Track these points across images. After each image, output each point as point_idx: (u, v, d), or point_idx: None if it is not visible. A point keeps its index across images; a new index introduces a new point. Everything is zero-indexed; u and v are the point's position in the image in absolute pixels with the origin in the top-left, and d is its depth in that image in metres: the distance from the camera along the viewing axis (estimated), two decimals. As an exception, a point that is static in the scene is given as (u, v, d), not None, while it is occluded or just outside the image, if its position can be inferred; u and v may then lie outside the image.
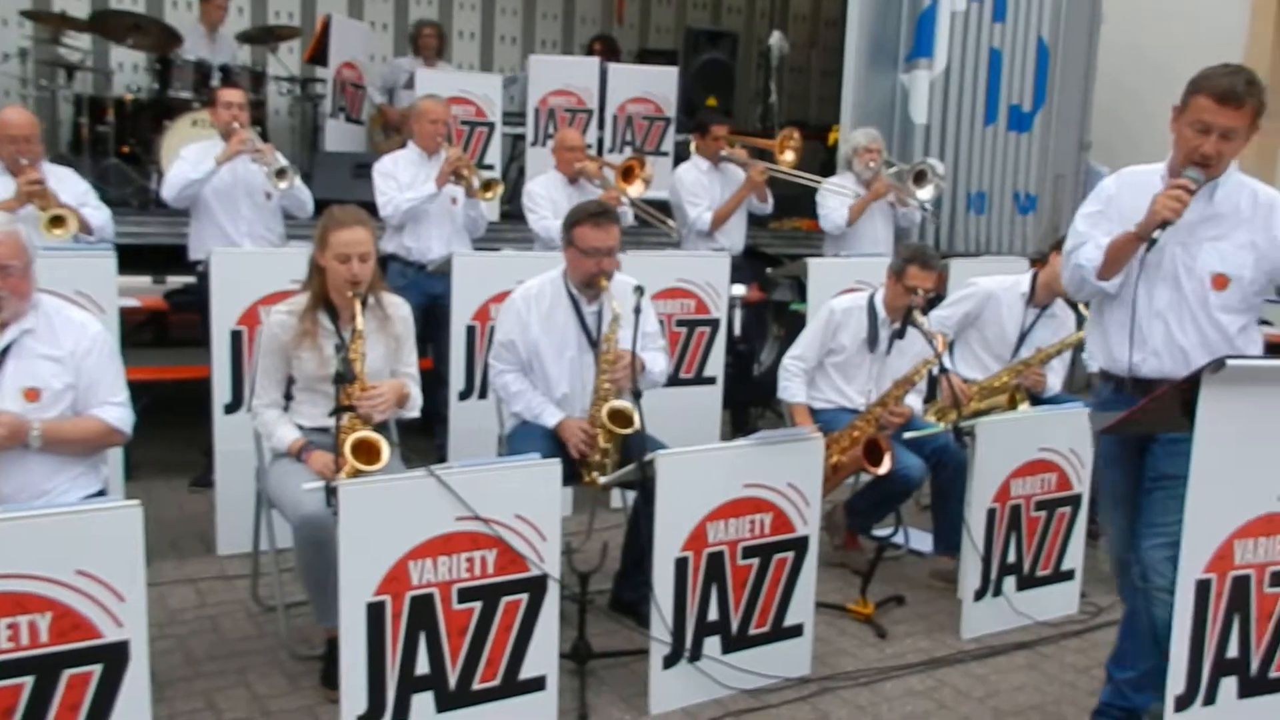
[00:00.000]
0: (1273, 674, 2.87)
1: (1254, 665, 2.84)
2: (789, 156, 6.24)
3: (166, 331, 6.36)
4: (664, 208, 6.04)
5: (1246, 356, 2.68)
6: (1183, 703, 2.75)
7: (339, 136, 7.28)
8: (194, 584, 4.04)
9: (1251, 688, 2.85)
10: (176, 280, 5.73)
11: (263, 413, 3.43)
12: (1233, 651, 2.81)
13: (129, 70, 7.47)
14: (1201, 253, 2.87)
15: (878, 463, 3.95)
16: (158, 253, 5.56)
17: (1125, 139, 7.80)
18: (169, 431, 5.08)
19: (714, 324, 5.14)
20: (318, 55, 7.56)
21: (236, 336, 4.25)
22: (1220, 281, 2.87)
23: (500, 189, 5.57)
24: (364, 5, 8.70)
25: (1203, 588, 2.72)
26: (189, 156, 4.97)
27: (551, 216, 5.44)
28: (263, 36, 7.68)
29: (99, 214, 4.55)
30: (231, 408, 4.27)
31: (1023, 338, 4.55)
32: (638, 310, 3.65)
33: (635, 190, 5.84)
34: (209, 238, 4.95)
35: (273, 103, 7.69)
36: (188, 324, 5.58)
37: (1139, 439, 3.00)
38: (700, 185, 6.04)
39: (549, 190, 5.62)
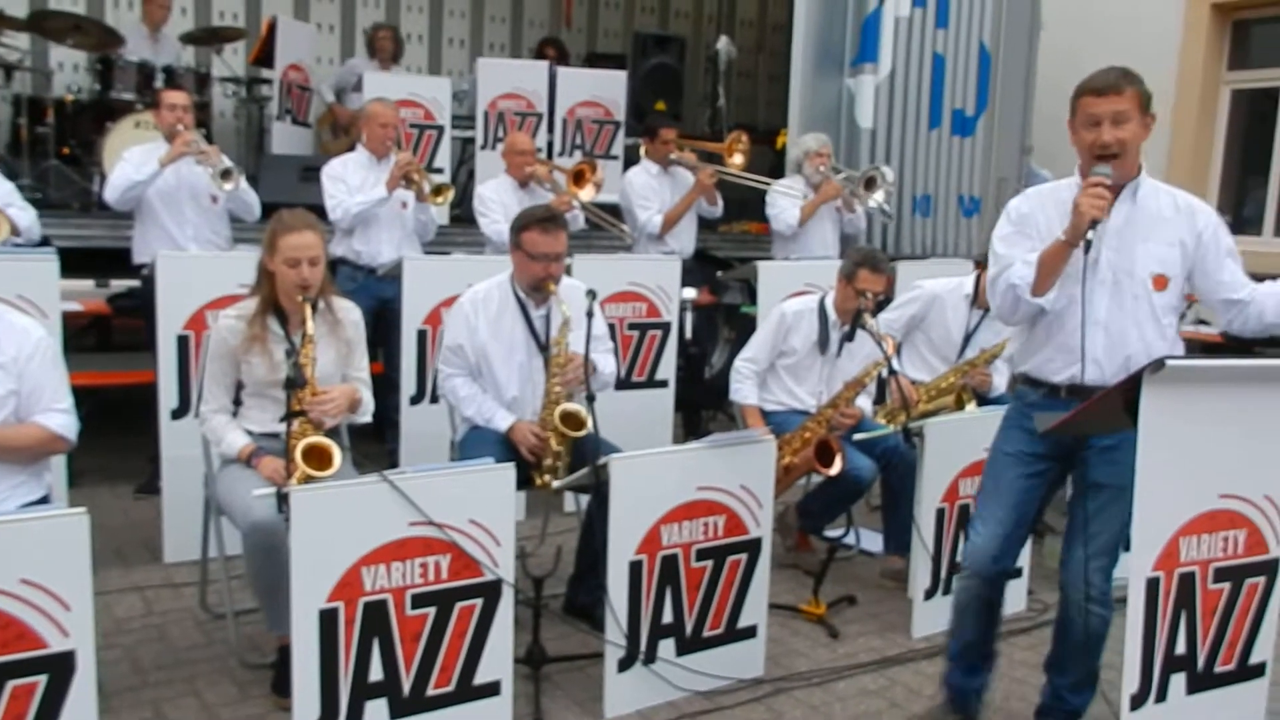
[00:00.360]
0: (1219, 669, 2.94)
1: (1201, 661, 2.91)
2: (738, 159, 6.30)
3: (110, 336, 6.25)
4: (615, 211, 6.05)
5: (1184, 357, 2.73)
6: (1137, 701, 2.80)
7: (286, 139, 7.21)
8: (140, 592, 3.98)
9: (1200, 683, 2.91)
10: (120, 284, 5.64)
11: (211, 418, 3.38)
12: (1181, 648, 2.87)
13: (69, 70, 7.35)
14: (1137, 255, 2.88)
15: (829, 464, 3.99)
16: (100, 256, 5.46)
17: (1065, 143, 7.93)
18: (113, 438, 5.00)
19: (665, 327, 5.16)
20: (263, 57, 7.49)
21: (183, 341, 4.18)
22: (1161, 282, 2.89)
23: (451, 194, 5.54)
24: (310, 7, 8.62)
25: (1152, 586, 2.78)
26: (132, 158, 4.90)
27: (503, 220, 5.42)
28: (207, 38, 7.57)
29: (25, 215, 4.45)
30: (178, 413, 4.21)
31: (968, 339, 4.62)
32: (590, 314, 3.65)
33: (586, 194, 5.85)
34: (154, 241, 4.87)
35: (217, 104, 7.60)
36: (131, 328, 5.49)
37: (1065, 445, 2.98)
38: (650, 189, 6.06)
39: (500, 194, 5.61)
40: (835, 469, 3.99)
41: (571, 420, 3.65)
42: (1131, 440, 2.68)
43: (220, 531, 3.45)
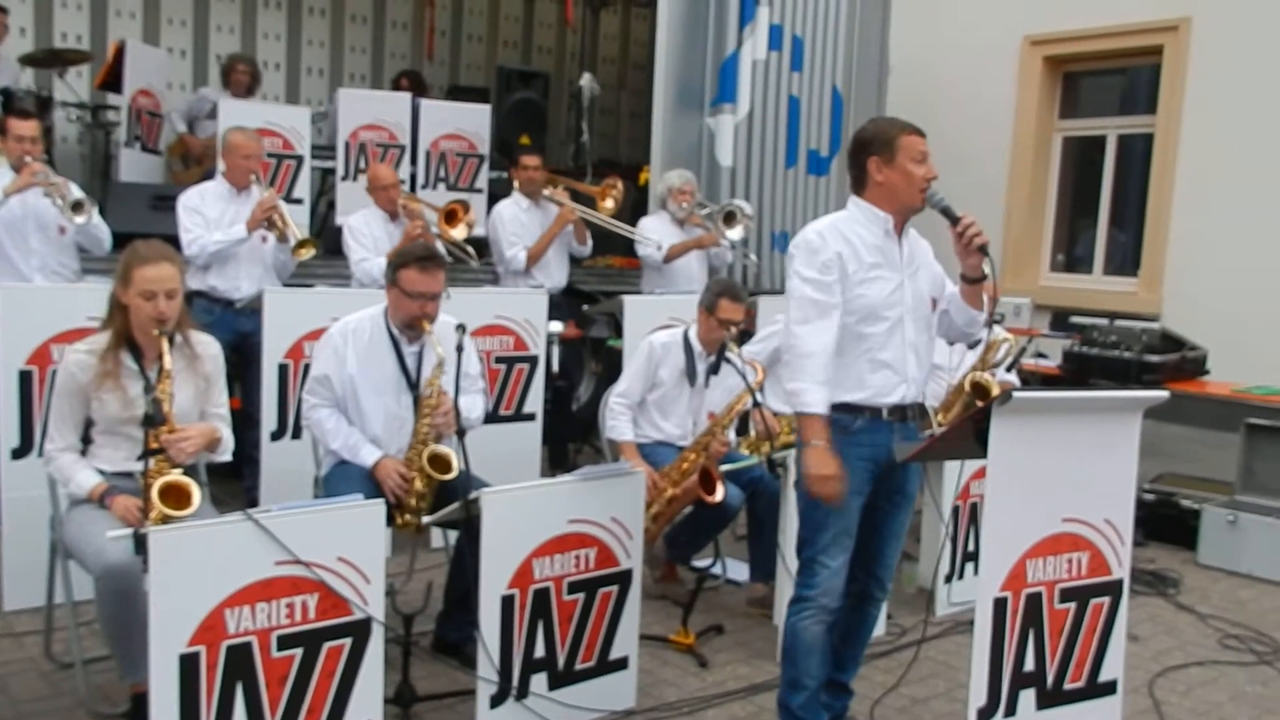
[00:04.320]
0: (1068, 685, 3.08)
1: (1050, 678, 3.05)
2: (609, 204, 6.40)
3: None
4: (480, 243, 6.06)
5: (1028, 388, 2.91)
6: (985, 714, 2.92)
7: (135, 166, 6.95)
8: (-23, 643, 3.76)
9: (1050, 699, 3.05)
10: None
11: (58, 457, 3.23)
12: (1030, 665, 3.00)
13: (-105, 92, 6.93)
14: (921, 281, 3.14)
15: (712, 490, 4.06)
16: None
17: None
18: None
19: (533, 360, 5.17)
20: (110, 81, 7.21)
21: (26, 376, 3.98)
22: (934, 304, 3.19)
23: (315, 249, 5.33)
24: (161, 31, 8.37)
25: (999, 605, 2.91)
26: (-30, 186, 4.65)
27: (373, 254, 5.38)
28: (49, 60, 7.26)
29: None
30: (20, 452, 4.00)
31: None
32: (460, 349, 3.64)
33: (458, 234, 5.85)
34: (-3, 273, 4.64)
35: (60, 129, 7.31)
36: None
37: (887, 466, 3.11)
38: (519, 222, 6.11)
39: (369, 227, 5.56)
40: (719, 496, 4.07)
41: (439, 463, 3.62)
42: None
43: (68, 575, 3.29)
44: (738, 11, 7.13)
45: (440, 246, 5.58)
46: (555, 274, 6.25)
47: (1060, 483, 2.94)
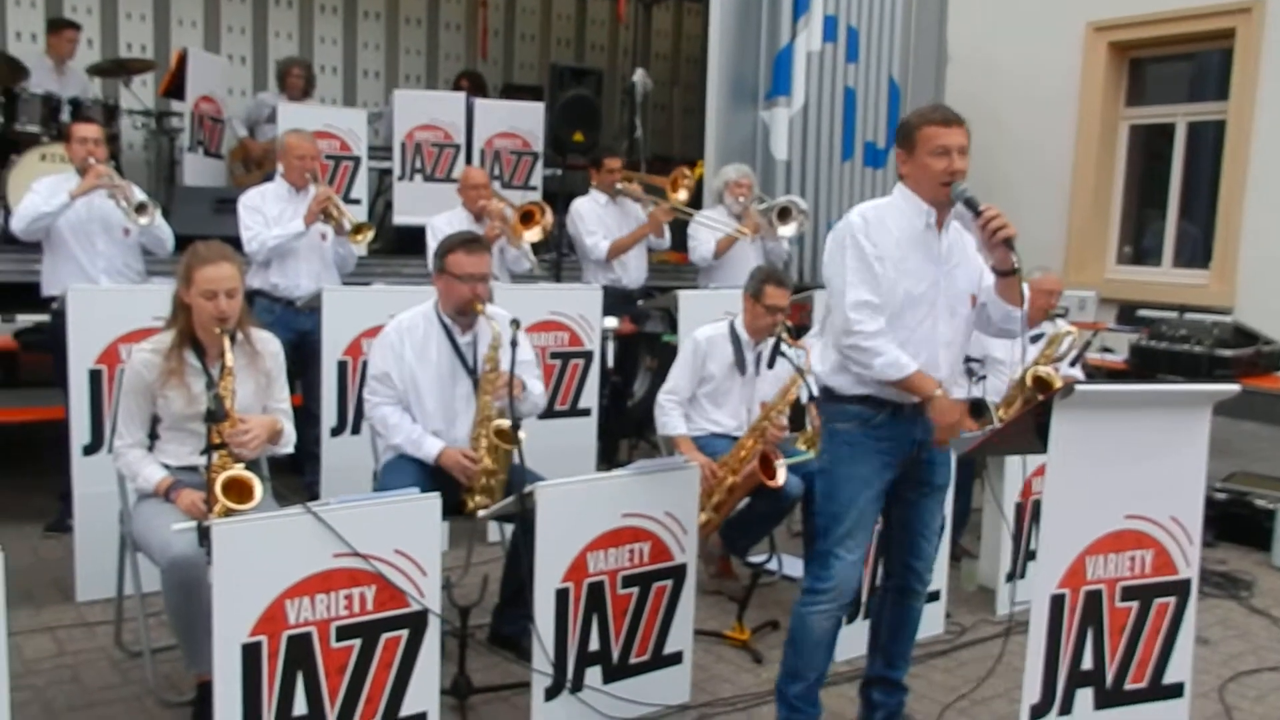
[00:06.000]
0: (1129, 686, 3.03)
1: (1109, 677, 3.00)
2: (682, 195, 6.42)
3: (16, 372, 6.07)
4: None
5: (1092, 382, 2.85)
6: (1038, 711, 2.88)
7: (198, 171, 7.10)
8: (51, 632, 3.86)
9: (1108, 699, 3.00)
10: (26, 319, 5.48)
11: (126, 453, 3.31)
12: (1088, 664, 2.95)
13: (-30, 103, 7.14)
14: (957, 278, 3.05)
15: (772, 475, 4.05)
16: (6, 290, 5.32)
17: (969, 175, 8.21)
18: (18, 476, 4.85)
19: (588, 356, 5.19)
20: (174, 89, 7.37)
21: (95, 376, 4.09)
22: (973, 300, 3.09)
23: (370, 233, 5.48)
24: (221, 39, 8.53)
25: (1057, 602, 2.87)
26: (41, 189, 4.78)
27: None
28: (115, 69, 7.45)
29: None
30: (91, 449, 4.11)
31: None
32: (514, 344, 3.67)
33: (532, 236, 5.90)
34: (64, 274, 4.75)
35: (126, 136, 7.47)
36: (39, 364, 5.34)
37: (908, 460, 3.06)
38: (597, 217, 6.18)
39: (453, 228, 5.59)
40: (780, 479, 4.06)
41: (508, 436, 3.66)
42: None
43: (136, 568, 3.37)
44: (792, 3, 7.08)
45: (525, 261, 5.68)
46: (634, 271, 6.32)
47: (1123, 479, 2.89)
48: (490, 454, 3.69)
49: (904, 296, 2.96)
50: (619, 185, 6.24)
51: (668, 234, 6.40)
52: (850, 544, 3.04)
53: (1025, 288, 3.06)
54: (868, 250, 2.93)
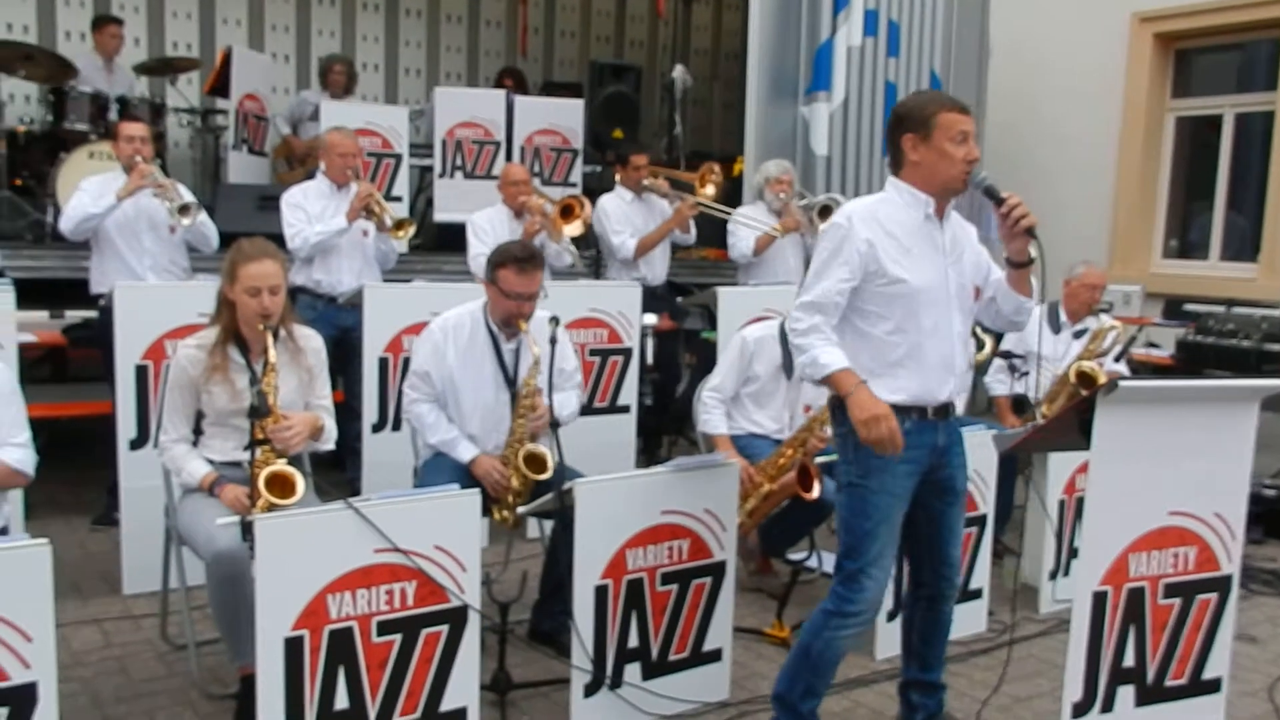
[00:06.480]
0: (1169, 683, 3.00)
1: (1150, 674, 2.97)
2: (709, 191, 6.40)
3: (65, 367, 6.18)
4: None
5: (1135, 378, 2.82)
6: (1080, 709, 2.86)
7: (242, 168, 7.18)
8: (99, 624, 3.93)
9: (1150, 696, 2.98)
10: (74, 315, 5.58)
11: (171, 448, 3.36)
12: (1129, 661, 2.93)
13: (20, 102, 7.27)
14: (962, 270, 2.96)
15: (810, 488, 4.02)
16: (54, 287, 5.41)
17: (1014, 171, 8.14)
18: (63, 470, 4.92)
19: (627, 353, 5.20)
20: (218, 87, 7.46)
21: (142, 371, 4.15)
22: (977, 293, 3.01)
23: (412, 229, 5.54)
24: (265, 37, 8.62)
25: (1099, 599, 2.85)
26: (89, 188, 4.86)
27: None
28: (161, 68, 7.56)
29: None
30: (137, 444, 4.18)
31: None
32: (553, 341, 3.67)
33: (573, 230, 5.91)
34: (111, 271, 4.84)
35: (172, 134, 7.58)
36: (87, 359, 5.44)
37: (930, 467, 2.98)
38: (623, 215, 6.16)
39: (493, 224, 5.66)
40: (816, 493, 4.03)
41: (535, 463, 3.66)
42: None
43: (181, 561, 3.42)
44: (832, -3, 7.04)
45: (567, 256, 5.68)
46: (658, 267, 6.29)
47: (1168, 475, 2.86)
48: (517, 475, 3.69)
49: (912, 294, 2.84)
50: (645, 181, 6.22)
51: (693, 229, 6.36)
52: (883, 562, 2.93)
53: (1033, 281, 2.98)
54: (843, 251, 2.84)
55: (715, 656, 3.52)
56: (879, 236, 2.85)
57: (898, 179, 2.94)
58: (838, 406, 2.93)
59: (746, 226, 6.20)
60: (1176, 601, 2.96)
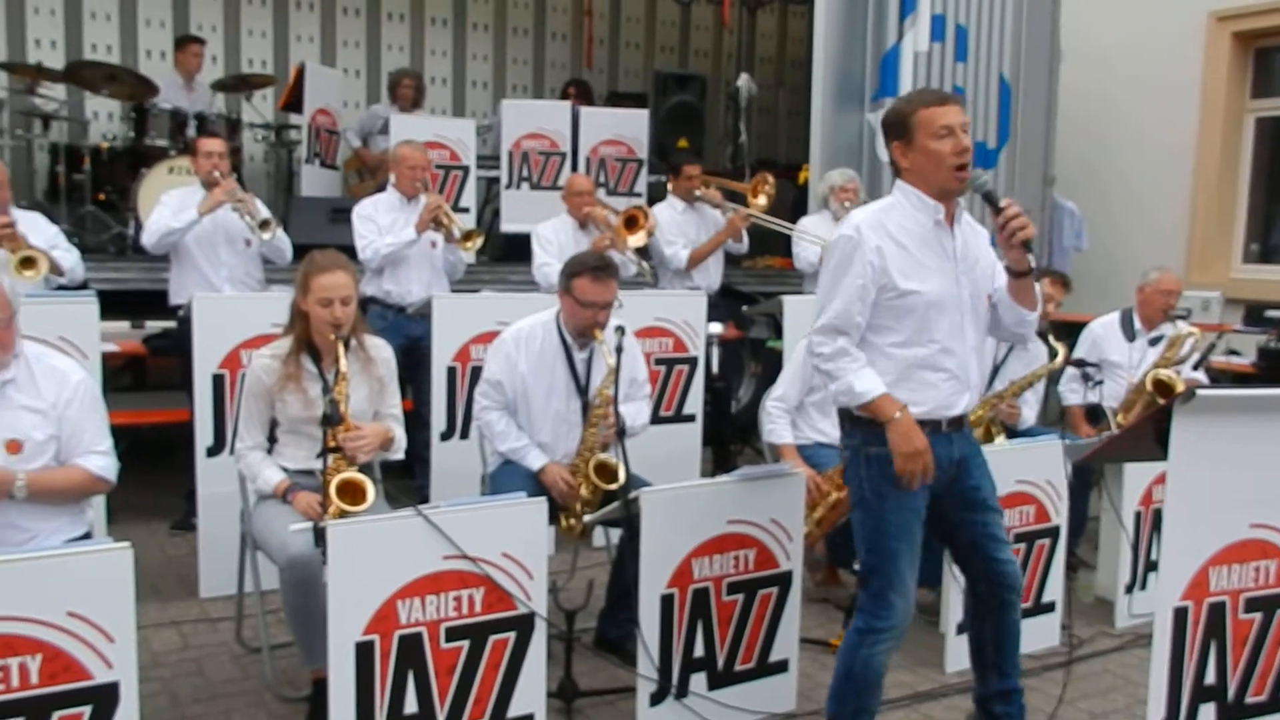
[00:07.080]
0: (1250, 699, 2.91)
1: (1231, 691, 2.89)
2: (762, 201, 6.37)
3: (145, 376, 6.35)
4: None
5: (1215, 386, 2.75)
6: (1163, 729, 2.79)
7: (314, 182, 7.32)
8: (177, 626, 4.03)
9: (1230, 713, 2.89)
10: (154, 325, 5.74)
11: (247, 455, 3.44)
12: (1210, 678, 2.85)
13: (104, 119, 7.50)
14: (976, 277, 2.89)
15: None
16: (135, 298, 5.57)
17: (1088, 174, 7.99)
18: (144, 476, 5.06)
19: (692, 362, 5.19)
20: (292, 102, 7.63)
21: (218, 380, 4.25)
22: (990, 300, 2.93)
23: (480, 240, 5.60)
24: (337, 53, 8.78)
25: (1180, 615, 2.77)
26: (170, 202, 5.00)
27: (557, 261, 5.50)
28: (237, 85, 7.75)
29: (69, 256, 4.56)
30: (214, 450, 4.28)
31: (996, 371, 4.62)
32: (620, 350, 3.69)
33: (637, 240, 5.93)
34: (190, 283, 4.97)
35: (248, 149, 7.76)
36: (165, 368, 5.58)
37: (935, 483, 2.89)
38: (675, 225, 6.15)
39: (558, 235, 5.70)
40: None
41: (605, 473, 3.67)
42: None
43: (256, 566, 3.49)
44: (898, 3, 6.95)
45: (630, 264, 5.71)
46: (712, 275, 6.28)
47: (1248, 486, 2.78)
48: (586, 484, 3.70)
49: (925, 304, 2.79)
50: (697, 192, 6.21)
51: (746, 238, 6.33)
52: (908, 576, 2.89)
53: (1039, 288, 2.93)
54: (854, 264, 2.77)
55: (782, 667, 3.50)
56: (888, 246, 2.80)
57: (904, 183, 2.88)
58: (850, 420, 2.90)
59: (809, 240, 6.16)
60: (1258, 616, 2.88)
